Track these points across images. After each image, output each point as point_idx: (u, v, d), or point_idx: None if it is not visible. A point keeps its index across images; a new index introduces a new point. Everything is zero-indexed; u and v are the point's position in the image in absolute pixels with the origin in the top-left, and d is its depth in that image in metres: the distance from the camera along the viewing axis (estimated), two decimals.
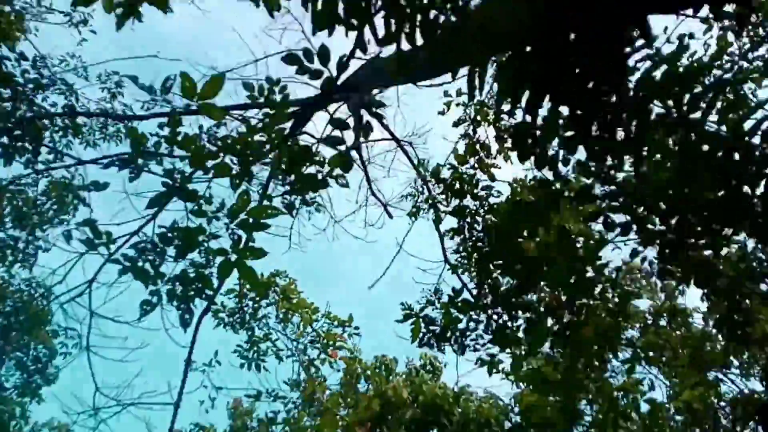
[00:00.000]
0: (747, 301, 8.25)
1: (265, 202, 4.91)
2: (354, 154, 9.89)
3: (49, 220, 9.79)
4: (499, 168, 6.62)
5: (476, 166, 6.61)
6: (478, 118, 6.79)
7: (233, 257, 4.59)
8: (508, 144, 6.51)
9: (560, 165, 3.54)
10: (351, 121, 6.84)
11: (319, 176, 4.60)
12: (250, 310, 11.23)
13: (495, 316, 6.51)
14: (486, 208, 6.63)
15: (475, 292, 6.75)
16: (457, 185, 6.51)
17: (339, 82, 5.57)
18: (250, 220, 4.59)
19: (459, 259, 6.84)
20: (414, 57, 3.48)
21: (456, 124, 7.00)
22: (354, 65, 6.34)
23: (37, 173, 7.53)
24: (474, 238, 6.50)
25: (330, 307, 11.07)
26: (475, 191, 6.60)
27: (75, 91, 9.23)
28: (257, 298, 11.09)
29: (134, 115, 6.92)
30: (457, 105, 7.09)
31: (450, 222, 7.28)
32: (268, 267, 11.53)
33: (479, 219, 6.68)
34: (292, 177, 4.69)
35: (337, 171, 4.65)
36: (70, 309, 7.57)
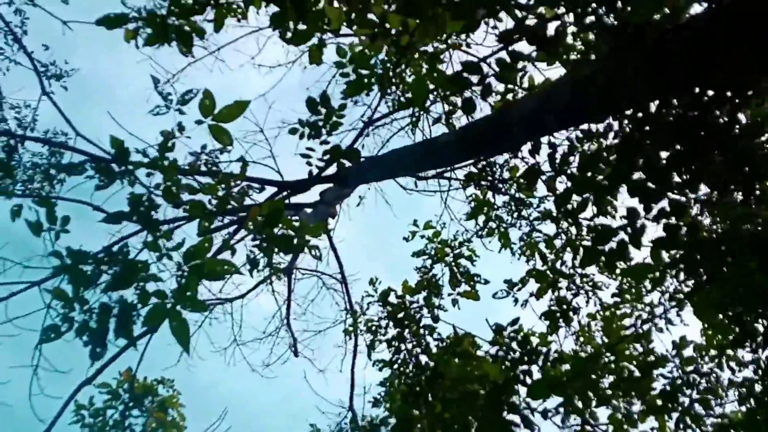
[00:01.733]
0: None
1: (228, 255, 4.62)
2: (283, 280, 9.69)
3: None
4: (446, 311, 6.60)
5: (423, 302, 6.56)
6: (438, 255, 6.92)
7: (170, 304, 4.21)
8: (460, 289, 6.58)
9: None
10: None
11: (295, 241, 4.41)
12: (116, 415, 9.91)
13: None
14: (423, 347, 6.47)
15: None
16: (401, 314, 6.39)
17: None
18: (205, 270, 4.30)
19: (381, 394, 6.47)
20: None
21: (416, 255, 7.10)
22: None
23: None
24: (407, 374, 6.24)
25: None
26: (417, 327, 6.47)
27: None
28: (131, 404, 9.84)
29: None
30: (422, 237, 7.25)
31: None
32: (154, 373, 10.44)
33: (414, 357, 6.48)
34: (263, 235, 4.48)
35: (313, 242, 4.49)
36: None
